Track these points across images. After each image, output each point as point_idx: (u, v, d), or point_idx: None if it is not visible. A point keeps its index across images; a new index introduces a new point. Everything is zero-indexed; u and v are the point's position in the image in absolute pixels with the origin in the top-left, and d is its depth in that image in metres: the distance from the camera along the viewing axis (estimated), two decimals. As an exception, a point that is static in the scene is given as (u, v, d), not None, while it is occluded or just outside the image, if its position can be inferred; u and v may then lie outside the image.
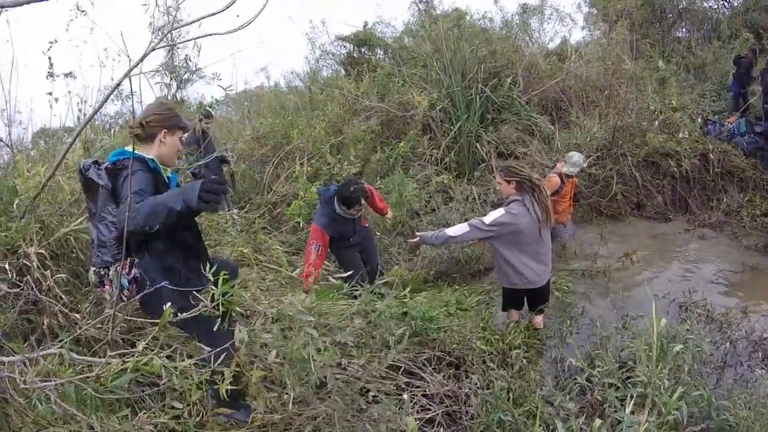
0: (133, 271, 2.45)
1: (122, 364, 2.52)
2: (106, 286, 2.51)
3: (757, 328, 4.33)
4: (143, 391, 2.74)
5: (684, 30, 13.71)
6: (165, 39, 3.68)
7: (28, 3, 2.56)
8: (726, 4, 13.72)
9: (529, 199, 3.83)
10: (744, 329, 4.27)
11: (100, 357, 2.51)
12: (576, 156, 5.81)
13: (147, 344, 2.69)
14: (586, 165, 6.40)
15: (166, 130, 2.56)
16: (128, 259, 2.43)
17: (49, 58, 4.69)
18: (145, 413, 2.53)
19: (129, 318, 3.31)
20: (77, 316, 3.21)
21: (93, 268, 2.54)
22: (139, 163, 2.39)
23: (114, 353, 2.63)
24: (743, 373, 3.80)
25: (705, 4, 13.73)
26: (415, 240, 4.23)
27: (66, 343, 2.66)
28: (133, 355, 2.49)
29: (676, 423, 2.63)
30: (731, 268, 5.97)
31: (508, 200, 3.93)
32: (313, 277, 3.93)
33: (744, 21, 12.33)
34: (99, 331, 3.03)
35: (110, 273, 2.47)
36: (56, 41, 4.62)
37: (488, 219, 3.82)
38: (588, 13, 13.97)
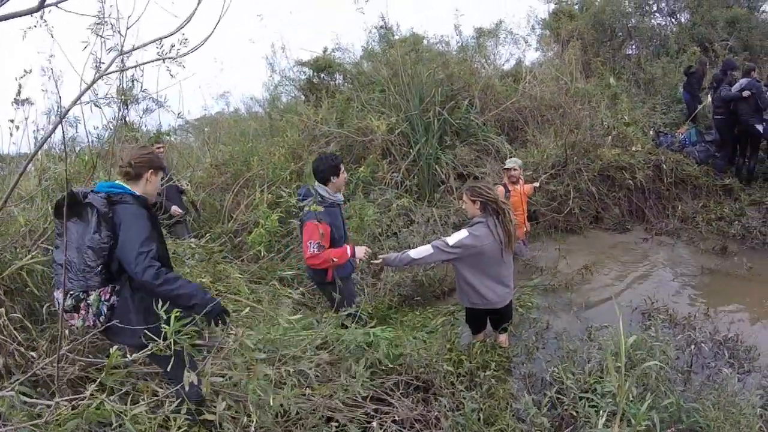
0: (112, 298, 2.58)
1: (72, 409, 2.40)
2: (82, 312, 2.54)
3: (721, 329, 4.40)
4: None
5: (633, 47, 14.24)
6: (115, 64, 3.59)
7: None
8: (673, 20, 14.31)
9: (492, 221, 3.78)
10: (707, 331, 4.32)
11: (56, 398, 2.38)
12: (514, 158, 6.09)
13: (99, 387, 2.57)
14: (539, 184, 6.59)
15: (152, 170, 2.81)
16: (111, 285, 2.58)
17: (20, 85, 4.53)
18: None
19: (81, 358, 3.17)
20: (33, 354, 3.04)
21: (71, 293, 2.53)
22: (137, 203, 2.67)
23: (62, 399, 2.49)
24: (710, 374, 3.83)
25: (653, 22, 14.34)
26: (378, 262, 4.10)
27: (17, 384, 2.52)
28: (83, 398, 2.37)
29: (648, 430, 2.61)
30: (690, 272, 6.10)
31: (472, 221, 3.88)
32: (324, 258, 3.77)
33: (691, 36, 12.86)
34: (56, 368, 2.88)
35: (91, 298, 2.53)
36: (31, 71, 4.47)
37: (452, 240, 3.76)
38: (541, 34, 14.43)
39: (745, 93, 7.64)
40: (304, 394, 3.09)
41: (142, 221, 2.60)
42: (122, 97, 4.66)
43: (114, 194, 2.63)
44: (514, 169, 5.84)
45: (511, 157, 6.28)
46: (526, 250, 6.39)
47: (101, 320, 2.56)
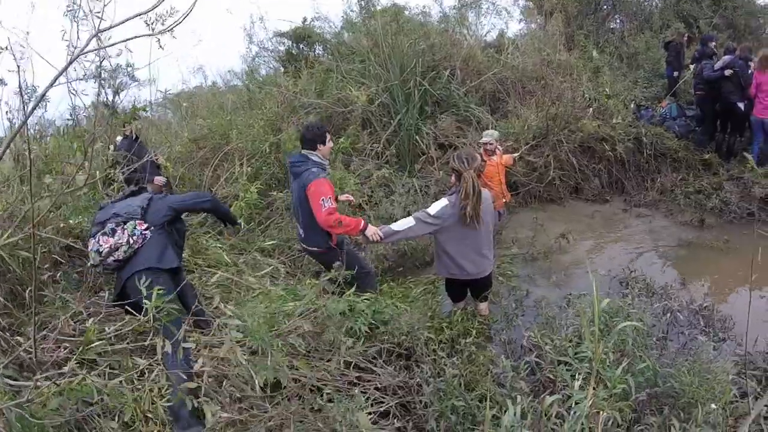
0: (146, 231, 3.37)
1: (55, 387, 2.36)
2: (117, 232, 3.29)
3: (697, 299, 4.46)
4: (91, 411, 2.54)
5: (617, 21, 14.15)
6: (91, 43, 3.43)
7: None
8: (659, -5, 14.23)
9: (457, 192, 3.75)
10: (684, 300, 4.37)
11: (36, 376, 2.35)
12: (489, 130, 6.00)
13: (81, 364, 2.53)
14: (519, 154, 6.59)
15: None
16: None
17: None
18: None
19: (64, 337, 3.11)
20: (20, 339, 2.97)
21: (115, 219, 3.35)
22: None
23: (41, 375, 2.45)
24: (685, 342, 3.88)
25: (638, -4, 14.23)
26: (359, 238, 4.04)
27: (0, 368, 2.48)
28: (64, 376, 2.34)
29: (625, 393, 2.63)
30: (668, 244, 6.18)
31: (451, 190, 3.86)
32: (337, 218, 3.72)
33: (675, 12, 12.81)
34: (43, 353, 2.83)
35: (128, 224, 3.33)
36: (7, 48, 4.28)
37: (432, 210, 3.72)
38: (524, 6, 14.27)
39: (727, 72, 7.66)
40: (292, 366, 3.07)
41: None
42: (104, 80, 4.52)
43: None
44: (489, 144, 5.78)
45: (489, 129, 6.24)
46: (503, 219, 6.39)
47: (133, 239, 3.27)
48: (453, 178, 3.83)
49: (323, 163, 4.04)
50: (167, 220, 3.54)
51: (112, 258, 3.29)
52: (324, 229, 3.94)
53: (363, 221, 3.80)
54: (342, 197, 4.39)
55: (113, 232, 3.33)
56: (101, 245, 3.29)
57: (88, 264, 3.51)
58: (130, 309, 3.10)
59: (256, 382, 2.65)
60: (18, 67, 2.58)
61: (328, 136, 4.12)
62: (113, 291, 3.51)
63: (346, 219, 3.76)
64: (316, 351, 3.40)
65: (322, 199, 3.72)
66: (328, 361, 3.29)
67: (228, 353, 2.43)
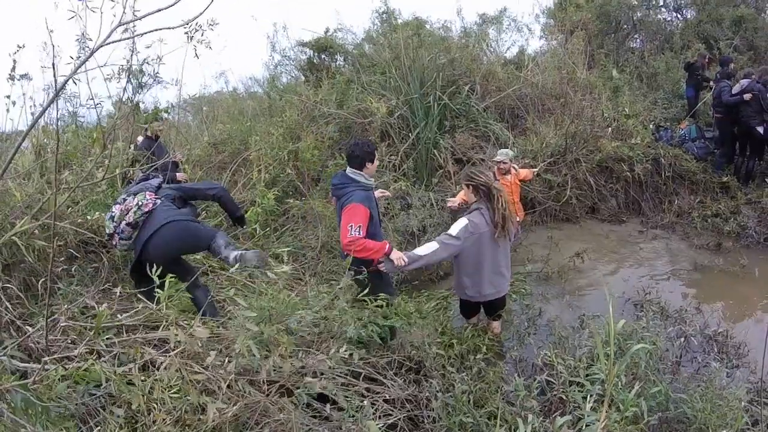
0: (156, 201, 3.72)
1: (62, 371, 2.39)
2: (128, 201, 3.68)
3: (711, 324, 4.42)
4: (101, 401, 2.58)
5: (638, 41, 14.16)
6: (113, 35, 3.52)
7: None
8: (679, 16, 14.21)
9: (485, 207, 3.75)
10: (698, 325, 4.34)
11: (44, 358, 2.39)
12: (504, 150, 6.01)
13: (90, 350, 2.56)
14: (537, 170, 6.57)
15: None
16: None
17: (14, 61, 4.47)
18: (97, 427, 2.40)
19: (73, 323, 3.16)
20: (29, 328, 3.04)
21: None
22: None
23: (50, 357, 2.49)
24: (698, 368, 3.85)
25: (659, 17, 14.22)
26: (381, 266, 3.81)
27: (9, 349, 2.52)
28: (73, 360, 2.37)
29: (635, 417, 2.62)
30: (684, 267, 6.12)
31: (471, 208, 3.85)
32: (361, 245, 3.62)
33: (696, 32, 12.78)
34: (53, 339, 2.88)
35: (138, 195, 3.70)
36: (24, 46, 4.41)
37: (454, 231, 3.71)
38: (545, 23, 14.31)
39: (747, 96, 7.62)
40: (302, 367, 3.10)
41: None
42: (132, 77, 4.61)
43: None
44: (504, 163, 5.79)
45: (507, 147, 6.25)
46: (517, 238, 6.39)
47: (143, 203, 3.61)
48: (472, 194, 3.84)
49: (368, 184, 3.96)
50: (176, 196, 3.86)
51: (124, 222, 3.56)
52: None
53: (388, 245, 3.72)
54: (377, 193, 4.30)
55: (124, 201, 3.64)
56: (113, 212, 3.60)
57: (105, 237, 3.76)
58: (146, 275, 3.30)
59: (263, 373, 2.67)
60: (54, 65, 2.61)
61: (377, 155, 4.07)
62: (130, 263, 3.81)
63: (369, 243, 3.67)
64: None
65: (350, 225, 3.64)
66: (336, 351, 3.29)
67: (242, 345, 2.46)
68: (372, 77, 9.04)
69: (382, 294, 3.69)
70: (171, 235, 3.60)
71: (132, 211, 3.58)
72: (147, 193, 3.72)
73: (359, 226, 3.63)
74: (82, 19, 2.93)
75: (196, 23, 3.41)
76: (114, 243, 3.72)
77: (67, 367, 2.30)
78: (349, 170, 3.95)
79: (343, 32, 11.69)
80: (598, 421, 2.31)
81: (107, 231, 3.65)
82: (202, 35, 3.65)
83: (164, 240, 3.57)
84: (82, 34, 3.84)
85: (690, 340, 4.07)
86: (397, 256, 3.66)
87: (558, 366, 3.22)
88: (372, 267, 3.77)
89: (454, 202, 4.87)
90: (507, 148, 7.41)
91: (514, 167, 5.93)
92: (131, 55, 4.46)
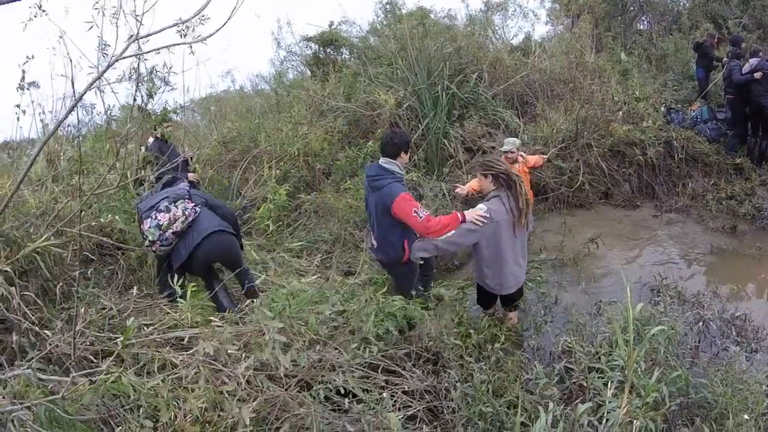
0: (196, 208, 3.91)
1: (90, 384, 2.42)
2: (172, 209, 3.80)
3: (729, 308, 4.39)
4: (122, 408, 2.61)
5: (645, 22, 14.00)
6: (129, 48, 3.53)
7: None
8: (687, -5, 14.00)
9: (505, 195, 3.73)
10: (716, 309, 4.31)
11: (72, 373, 2.41)
12: (510, 139, 5.98)
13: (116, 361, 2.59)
14: (548, 157, 6.54)
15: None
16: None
17: (23, 71, 4.51)
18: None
19: (98, 334, 3.20)
20: (48, 333, 3.08)
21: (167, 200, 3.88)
22: None
23: (79, 373, 2.52)
24: (717, 352, 3.83)
25: (666, -3, 14.02)
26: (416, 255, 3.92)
27: (33, 362, 2.55)
28: (100, 373, 2.40)
29: (656, 403, 2.62)
30: (699, 251, 6.08)
31: (489, 196, 3.83)
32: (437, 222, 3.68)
33: (704, 12, 12.60)
34: (69, 347, 2.91)
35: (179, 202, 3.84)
36: (33, 56, 4.45)
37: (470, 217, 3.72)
38: (551, 8, 14.20)
39: (757, 75, 7.53)
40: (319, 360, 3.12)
41: None
42: (145, 85, 4.64)
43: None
44: (511, 152, 5.75)
45: (517, 134, 6.18)
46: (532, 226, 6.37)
47: (187, 213, 3.79)
48: (491, 183, 3.83)
49: (402, 174, 3.98)
50: (205, 204, 4.02)
51: (171, 231, 3.74)
52: (398, 243, 3.94)
53: (459, 213, 3.75)
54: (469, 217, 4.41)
55: (168, 209, 3.75)
56: (160, 220, 3.71)
57: (146, 243, 3.83)
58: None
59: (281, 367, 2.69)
60: (63, 67, 2.64)
61: (411, 145, 4.14)
62: (169, 264, 3.95)
63: (443, 219, 3.71)
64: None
65: (415, 211, 3.66)
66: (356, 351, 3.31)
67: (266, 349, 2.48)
68: (378, 69, 9.02)
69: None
70: (222, 243, 3.90)
71: (180, 220, 3.77)
72: (186, 201, 3.88)
73: (420, 208, 3.69)
74: (99, 28, 2.96)
75: (187, 24, 3.42)
76: (154, 249, 3.84)
77: (94, 380, 2.32)
78: (383, 160, 3.93)
79: (347, 25, 11.69)
80: (620, 407, 2.31)
81: (150, 238, 3.75)
82: (193, 32, 3.64)
83: (217, 245, 3.88)
84: (103, 42, 3.86)
85: (708, 325, 4.04)
86: (472, 215, 3.70)
87: (577, 353, 3.21)
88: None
89: (463, 189, 4.87)
90: (516, 136, 7.39)
91: (521, 155, 5.90)
92: (138, 64, 4.49)
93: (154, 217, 3.74)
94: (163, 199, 3.83)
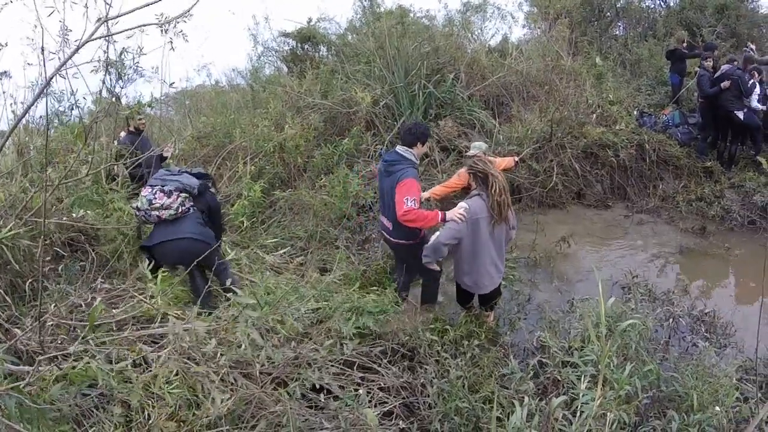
0: (191, 207, 3.94)
1: (57, 371, 2.34)
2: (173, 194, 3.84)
3: (698, 305, 4.48)
4: (94, 401, 2.54)
5: (621, 28, 14.22)
6: (98, 31, 3.43)
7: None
8: (662, 3, 14.27)
9: (486, 194, 3.76)
10: (685, 306, 4.39)
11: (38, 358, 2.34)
12: (478, 142, 5.98)
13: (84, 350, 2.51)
14: (519, 158, 6.60)
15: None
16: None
17: None
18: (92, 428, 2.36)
19: (65, 321, 3.10)
20: (18, 331, 2.98)
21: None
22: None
23: (44, 357, 2.44)
24: (687, 347, 3.90)
25: (642, 4, 14.26)
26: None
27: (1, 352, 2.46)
28: (67, 361, 2.32)
29: (628, 396, 2.65)
30: (669, 250, 6.20)
31: (471, 195, 3.89)
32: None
33: (679, 20, 12.86)
34: (39, 345, 2.83)
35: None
36: (7, 44, 4.30)
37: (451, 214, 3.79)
38: (528, 11, 14.32)
39: (724, 84, 7.76)
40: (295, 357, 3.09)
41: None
42: (111, 69, 4.52)
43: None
44: (477, 156, 5.78)
45: (491, 135, 6.15)
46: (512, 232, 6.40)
47: (181, 210, 3.81)
48: (472, 181, 3.89)
49: (416, 162, 4.14)
50: (207, 210, 4.04)
51: (156, 213, 3.76)
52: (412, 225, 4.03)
53: (439, 212, 3.84)
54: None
55: (170, 193, 3.78)
56: (156, 198, 3.75)
57: (134, 206, 3.91)
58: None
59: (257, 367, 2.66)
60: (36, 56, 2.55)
61: (429, 139, 4.28)
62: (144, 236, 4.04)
63: (423, 212, 3.82)
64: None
65: (406, 198, 3.79)
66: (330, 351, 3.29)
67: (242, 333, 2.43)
68: (356, 67, 9.00)
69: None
70: (186, 250, 3.74)
71: (168, 212, 3.78)
72: (188, 199, 3.90)
73: (414, 199, 3.80)
74: (60, 13, 2.87)
75: (169, 19, 3.34)
76: (135, 213, 3.93)
77: (61, 366, 2.25)
78: (400, 148, 4.13)
79: (326, 22, 11.61)
80: (593, 400, 2.32)
81: (138, 205, 3.81)
82: (175, 26, 3.57)
83: (178, 251, 3.77)
84: (65, 27, 3.74)
85: (678, 321, 4.12)
86: (455, 213, 3.76)
87: (552, 348, 3.23)
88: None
89: (424, 194, 4.93)
90: (491, 136, 7.44)
91: (489, 159, 5.92)
92: (107, 46, 4.36)
93: (154, 191, 3.78)
94: (175, 181, 3.86)
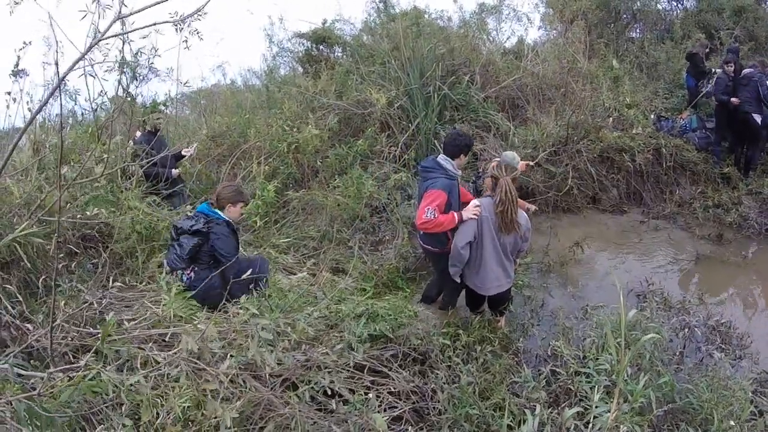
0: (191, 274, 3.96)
1: (68, 380, 2.35)
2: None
3: (714, 314, 4.41)
4: (104, 405, 2.55)
5: (638, 30, 14.02)
6: (112, 29, 3.45)
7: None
8: (679, 5, 14.07)
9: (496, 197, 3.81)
10: (701, 315, 4.33)
11: (50, 369, 2.35)
12: (509, 154, 5.81)
13: (96, 357, 2.52)
14: (533, 163, 6.50)
15: (231, 204, 4.15)
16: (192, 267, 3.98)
17: (18, 57, 4.42)
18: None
19: (77, 328, 3.12)
20: (29, 326, 3.01)
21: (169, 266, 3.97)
22: (226, 226, 4.07)
23: (56, 369, 2.46)
24: (702, 358, 3.85)
25: (659, 6, 14.07)
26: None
27: (11, 357, 2.48)
28: (78, 370, 2.33)
29: (641, 409, 2.61)
30: (686, 258, 6.12)
31: (485, 195, 4.00)
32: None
33: (696, 22, 12.66)
34: (49, 339, 2.84)
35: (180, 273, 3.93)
36: (30, 43, 4.35)
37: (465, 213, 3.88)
38: (545, 13, 14.16)
39: (734, 100, 7.73)
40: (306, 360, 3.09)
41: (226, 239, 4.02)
42: (126, 67, 4.54)
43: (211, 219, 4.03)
44: (498, 164, 5.75)
45: (508, 136, 6.10)
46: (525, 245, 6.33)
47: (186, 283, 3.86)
48: (489, 183, 3.98)
49: (455, 174, 4.11)
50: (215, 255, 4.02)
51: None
52: (441, 234, 4.06)
53: (455, 213, 3.87)
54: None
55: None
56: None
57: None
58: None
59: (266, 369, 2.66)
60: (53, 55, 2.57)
61: (472, 151, 4.28)
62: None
63: (440, 218, 3.83)
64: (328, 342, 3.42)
65: (427, 208, 3.82)
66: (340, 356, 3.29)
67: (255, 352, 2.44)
68: (371, 68, 8.98)
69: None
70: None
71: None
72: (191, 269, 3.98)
73: (434, 210, 3.81)
74: (94, 15, 2.89)
75: (184, 16, 3.36)
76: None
77: (72, 376, 2.26)
78: (441, 157, 4.11)
79: (340, 23, 11.60)
80: (609, 412, 2.29)
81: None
82: (189, 26, 3.58)
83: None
84: (95, 27, 3.77)
85: (693, 331, 4.06)
86: (471, 211, 3.85)
87: (565, 356, 3.20)
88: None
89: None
90: (507, 139, 7.39)
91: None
92: (123, 45, 4.38)
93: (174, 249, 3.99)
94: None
